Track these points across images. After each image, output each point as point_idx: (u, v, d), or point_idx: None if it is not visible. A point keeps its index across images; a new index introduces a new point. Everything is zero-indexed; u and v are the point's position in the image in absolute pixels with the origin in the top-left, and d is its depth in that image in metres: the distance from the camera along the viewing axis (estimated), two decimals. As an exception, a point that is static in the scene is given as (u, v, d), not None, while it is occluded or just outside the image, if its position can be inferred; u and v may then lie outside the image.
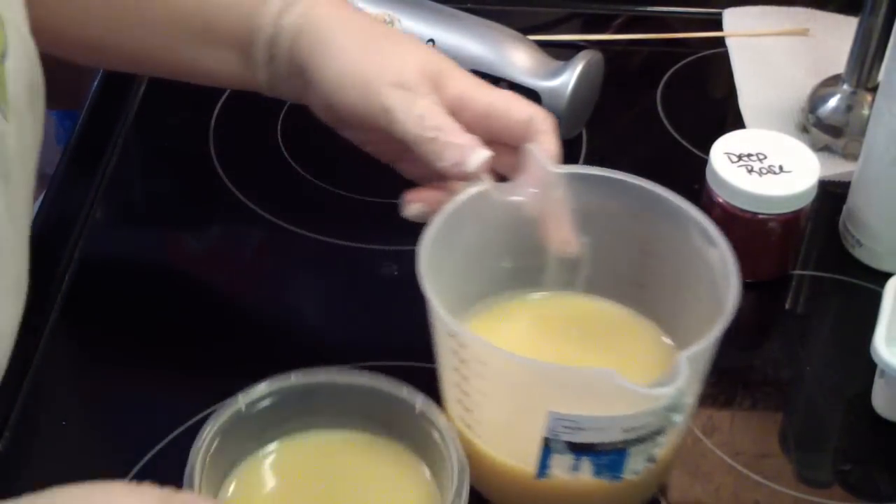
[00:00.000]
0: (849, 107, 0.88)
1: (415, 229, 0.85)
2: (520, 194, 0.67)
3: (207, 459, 0.58)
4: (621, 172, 0.66)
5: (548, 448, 0.59)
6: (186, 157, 0.90)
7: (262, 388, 0.61)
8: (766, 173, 0.76)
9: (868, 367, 0.69)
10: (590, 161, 0.90)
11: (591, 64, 0.89)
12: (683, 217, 0.64)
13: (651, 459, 0.60)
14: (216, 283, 0.83)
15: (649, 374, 0.58)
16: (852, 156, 0.89)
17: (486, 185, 0.66)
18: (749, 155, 0.77)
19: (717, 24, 1.04)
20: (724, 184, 0.76)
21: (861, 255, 0.81)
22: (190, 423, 0.70)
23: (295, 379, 0.62)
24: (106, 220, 0.84)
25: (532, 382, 0.60)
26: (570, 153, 0.91)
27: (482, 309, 0.69)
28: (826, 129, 0.89)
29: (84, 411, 0.72)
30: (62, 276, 0.79)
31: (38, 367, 0.73)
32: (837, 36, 0.95)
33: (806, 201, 0.76)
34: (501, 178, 0.67)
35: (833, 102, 0.89)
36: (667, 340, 0.68)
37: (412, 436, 0.62)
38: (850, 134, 0.88)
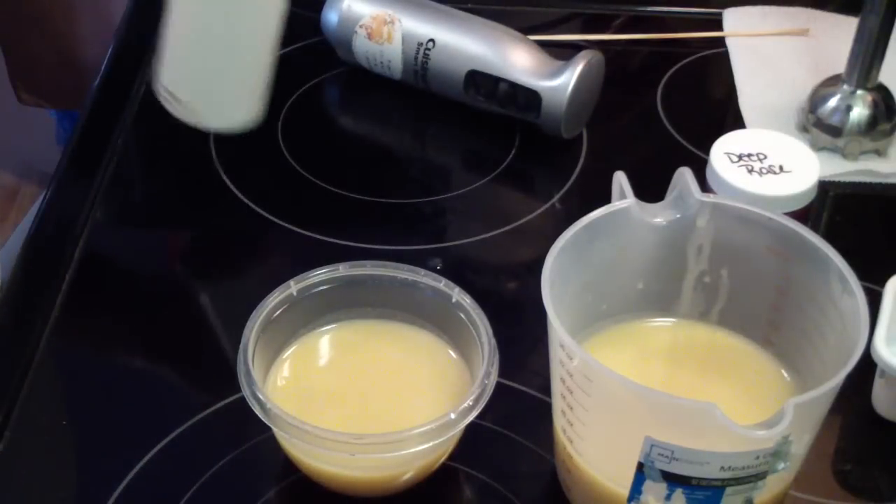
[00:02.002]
0: (849, 107, 0.88)
1: (417, 230, 0.86)
2: (663, 216, 0.66)
3: (260, 337, 0.66)
4: (769, 212, 0.65)
5: (641, 474, 0.58)
6: (186, 157, 0.90)
7: (312, 275, 0.69)
8: (766, 173, 0.76)
9: (868, 367, 0.69)
10: (589, 161, 0.90)
11: (591, 64, 0.89)
12: (824, 261, 0.63)
13: (748, 503, 0.59)
14: (216, 283, 0.83)
15: (764, 415, 0.56)
16: (852, 155, 0.89)
17: (629, 201, 0.65)
18: (749, 155, 0.77)
19: (717, 24, 1.04)
20: (724, 184, 0.76)
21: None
22: (191, 422, 0.70)
23: (343, 270, 0.70)
24: (106, 220, 0.84)
25: (631, 405, 0.59)
26: (570, 153, 0.91)
27: (608, 326, 0.69)
28: (826, 129, 0.89)
29: (84, 410, 0.72)
30: (62, 276, 0.79)
31: (38, 366, 0.73)
32: (837, 36, 0.95)
33: (806, 201, 0.76)
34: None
35: (833, 102, 0.89)
36: (791, 383, 0.67)
37: (448, 324, 0.69)
38: (849, 134, 0.88)
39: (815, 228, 0.68)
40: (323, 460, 0.64)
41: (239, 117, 0.83)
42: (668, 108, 0.96)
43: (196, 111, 0.82)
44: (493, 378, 0.64)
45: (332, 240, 0.83)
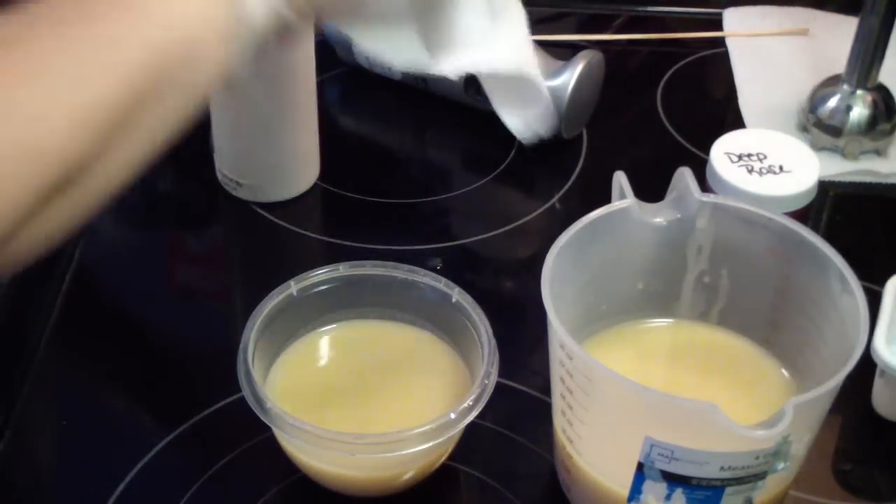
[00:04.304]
0: (849, 107, 0.88)
1: (417, 230, 0.86)
2: (663, 216, 0.66)
3: (260, 337, 0.66)
4: (769, 212, 0.65)
5: (641, 473, 0.58)
6: (186, 157, 0.90)
7: (312, 275, 0.69)
8: (766, 173, 0.76)
9: (868, 367, 0.69)
10: (589, 161, 0.90)
11: (591, 64, 0.89)
12: (824, 261, 0.63)
13: (748, 503, 0.59)
14: (216, 283, 0.83)
15: (764, 415, 0.55)
16: (852, 155, 0.89)
17: (629, 201, 0.65)
18: (749, 155, 0.77)
19: (717, 24, 1.04)
20: (724, 184, 0.76)
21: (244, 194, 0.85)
22: (191, 421, 0.70)
23: (343, 270, 0.70)
24: (105, 220, 0.84)
25: (631, 405, 0.59)
26: (570, 153, 0.91)
27: (608, 326, 0.69)
28: (826, 129, 0.89)
29: (84, 410, 0.72)
30: (62, 276, 0.79)
31: (38, 366, 0.73)
32: (837, 36, 0.95)
33: (806, 201, 0.76)
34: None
35: (833, 102, 0.89)
36: (790, 383, 0.67)
37: (448, 324, 0.69)
38: (849, 134, 0.88)
39: (815, 228, 0.68)
40: (323, 460, 0.64)
41: (299, 184, 0.85)
42: (668, 108, 0.96)
43: (258, 190, 0.84)
44: (493, 378, 0.64)
45: (332, 240, 0.83)
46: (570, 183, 0.89)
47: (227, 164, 0.84)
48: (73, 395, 0.73)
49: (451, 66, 0.70)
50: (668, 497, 0.59)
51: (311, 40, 0.81)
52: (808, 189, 0.76)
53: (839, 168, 0.89)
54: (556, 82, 0.87)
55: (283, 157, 0.84)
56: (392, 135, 0.97)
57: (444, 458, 0.66)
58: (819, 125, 0.90)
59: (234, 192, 0.85)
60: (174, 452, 0.68)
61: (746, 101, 0.95)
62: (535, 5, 1.07)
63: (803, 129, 0.91)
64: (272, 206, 0.85)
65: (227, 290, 0.83)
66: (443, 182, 0.90)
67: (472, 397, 0.63)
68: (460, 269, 0.81)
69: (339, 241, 0.82)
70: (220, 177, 0.85)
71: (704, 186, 0.77)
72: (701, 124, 0.94)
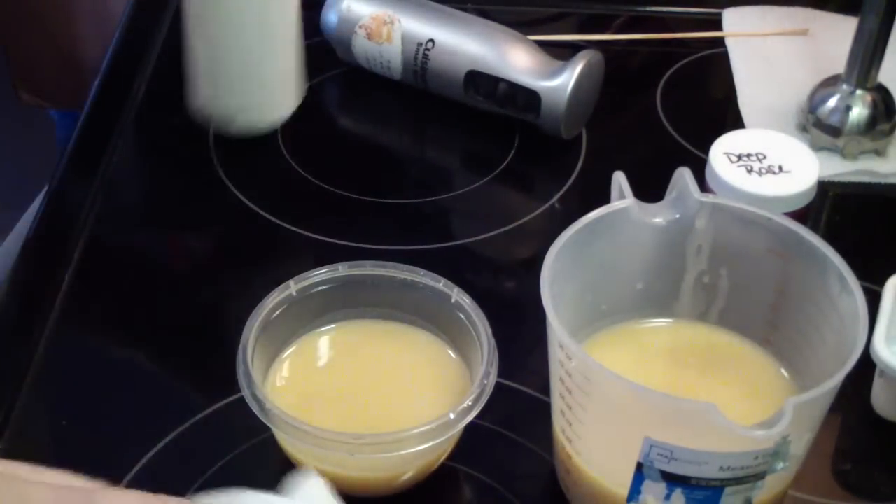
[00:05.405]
0: (848, 107, 0.88)
1: (416, 230, 0.86)
2: (663, 216, 0.66)
3: (260, 337, 0.66)
4: (768, 212, 0.65)
5: (641, 473, 0.58)
6: (186, 157, 0.90)
7: (312, 275, 0.69)
8: (765, 173, 0.76)
9: (868, 367, 0.69)
10: (589, 161, 0.90)
11: (591, 64, 0.89)
12: (823, 261, 0.63)
13: (748, 503, 0.59)
14: (216, 283, 0.83)
15: (763, 415, 0.56)
16: (852, 155, 0.89)
17: (628, 201, 0.65)
18: (749, 155, 0.77)
19: (717, 24, 1.04)
20: (723, 184, 0.76)
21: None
22: (191, 422, 0.70)
23: (343, 270, 0.70)
24: (105, 221, 0.84)
25: (630, 405, 0.59)
26: (569, 153, 0.91)
27: (608, 326, 0.69)
28: (826, 129, 0.89)
29: (84, 410, 0.72)
30: (62, 276, 0.79)
31: (38, 366, 0.73)
32: (837, 36, 0.95)
33: (805, 201, 0.76)
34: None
35: (833, 102, 0.89)
36: (790, 383, 0.67)
37: (447, 324, 0.69)
38: (849, 134, 0.89)
39: (814, 228, 0.68)
40: (322, 460, 0.64)
41: (277, 111, 0.83)
42: (668, 108, 0.96)
43: (233, 121, 0.83)
44: (493, 378, 0.64)
45: (332, 240, 0.83)
46: (569, 183, 0.89)
47: (199, 94, 0.81)
48: (73, 394, 0.73)
49: None
50: (667, 497, 0.59)
51: None
52: (807, 189, 0.76)
53: (838, 168, 0.89)
54: (556, 82, 0.88)
55: (260, 80, 0.80)
56: (392, 135, 0.97)
57: (443, 458, 0.66)
58: (818, 125, 0.90)
59: (208, 126, 0.84)
60: (174, 452, 0.68)
61: (746, 101, 0.95)
62: (535, 5, 1.07)
63: (803, 129, 0.91)
64: (272, 206, 0.85)
65: (226, 290, 0.83)
66: (443, 182, 0.90)
67: (472, 397, 0.63)
68: (460, 269, 0.81)
69: (338, 241, 0.82)
70: (192, 114, 0.82)
71: (704, 186, 0.77)
72: (700, 124, 0.94)
